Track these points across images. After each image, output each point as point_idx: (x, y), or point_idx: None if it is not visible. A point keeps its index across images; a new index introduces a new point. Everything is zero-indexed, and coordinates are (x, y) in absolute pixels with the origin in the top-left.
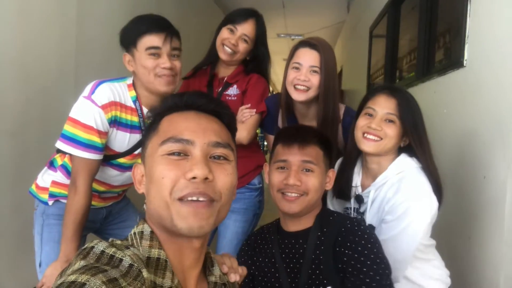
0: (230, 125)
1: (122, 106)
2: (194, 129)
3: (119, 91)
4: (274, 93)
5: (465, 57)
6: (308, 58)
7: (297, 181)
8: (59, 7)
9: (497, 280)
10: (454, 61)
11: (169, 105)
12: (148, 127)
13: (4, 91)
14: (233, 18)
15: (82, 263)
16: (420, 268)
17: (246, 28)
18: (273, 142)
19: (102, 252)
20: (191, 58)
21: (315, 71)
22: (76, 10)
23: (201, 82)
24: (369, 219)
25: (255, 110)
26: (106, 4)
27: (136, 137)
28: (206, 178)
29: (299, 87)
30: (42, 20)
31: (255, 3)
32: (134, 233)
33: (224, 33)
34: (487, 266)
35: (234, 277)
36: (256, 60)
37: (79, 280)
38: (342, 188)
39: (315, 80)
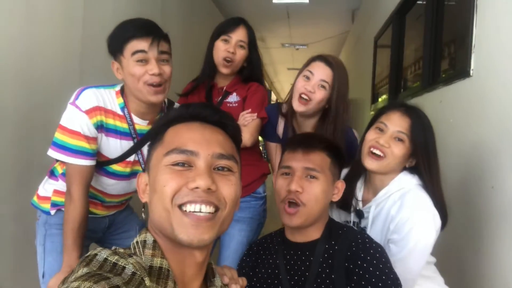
0: (235, 136)
1: (108, 112)
2: (198, 141)
3: (104, 97)
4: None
5: (472, 66)
6: (321, 71)
7: (299, 187)
8: (65, 9)
9: None
10: (460, 70)
11: (174, 115)
12: (152, 138)
13: (8, 97)
14: (224, 28)
15: (85, 270)
16: (422, 285)
17: (239, 34)
18: (282, 151)
19: (105, 259)
20: (192, 63)
21: (323, 86)
22: (82, 13)
23: (200, 96)
24: (373, 236)
25: (256, 114)
26: (112, 6)
27: (128, 144)
28: (209, 189)
29: (303, 96)
30: (47, 23)
31: (260, 13)
32: (137, 242)
33: (220, 45)
34: (498, 278)
35: None
36: (251, 66)
37: (82, 287)
38: (345, 199)
39: (320, 94)
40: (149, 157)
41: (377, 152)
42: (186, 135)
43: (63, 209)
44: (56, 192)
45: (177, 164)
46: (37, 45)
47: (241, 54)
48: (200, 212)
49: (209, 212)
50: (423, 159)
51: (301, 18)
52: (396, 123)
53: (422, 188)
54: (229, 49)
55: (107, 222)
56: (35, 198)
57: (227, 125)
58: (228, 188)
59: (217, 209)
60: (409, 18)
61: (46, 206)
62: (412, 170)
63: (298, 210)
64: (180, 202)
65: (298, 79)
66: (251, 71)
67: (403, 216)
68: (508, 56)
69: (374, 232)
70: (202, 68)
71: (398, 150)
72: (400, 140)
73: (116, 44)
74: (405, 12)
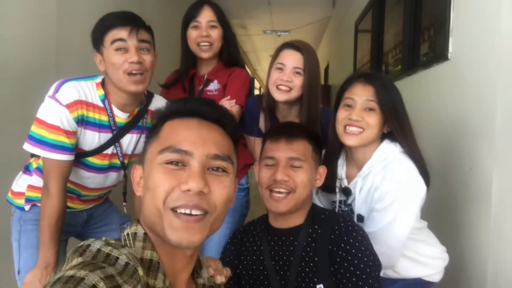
0: (234, 134)
1: (89, 105)
2: (194, 140)
3: (85, 90)
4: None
5: (450, 50)
6: (292, 59)
7: (285, 176)
8: (39, 3)
9: (485, 269)
10: (439, 54)
11: (172, 110)
12: (149, 131)
13: None
14: (190, 15)
15: (80, 259)
16: (416, 249)
17: (207, 15)
18: (263, 140)
19: (98, 250)
20: (174, 52)
21: (298, 73)
22: (56, 7)
23: (182, 86)
24: (358, 208)
25: (234, 100)
26: (86, 2)
27: (107, 136)
28: (201, 191)
29: (281, 87)
30: (20, 18)
31: (242, 0)
32: (128, 234)
33: (192, 33)
34: (475, 256)
35: (220, 279)
36: (227, 44)
37: (78, 275)
38: (327, 181)
39: (297, 81)
40: (145, 151)
41: (354, 129)
42: (182, 133)
43: (38, 204)
44: (30, 187)
45: (171, 162)
46: (12, 37)
47: (216, 33)
48: (190, 214)
49: (199, 213)
50: (394, 122)
51: (282, 4)
52: (361, 94)
53: (404, 154)
54: (201, 33)
55: (85, 216)
56: (9, 194)
57: (226, 123)
58: (220, 190)
59: (206, 212)
60: (389, 3)
61: (21, 201)
62: (393, 138)
63: (287, 196)
64: (172, 206)
65: (272, 72)
66: (228, 50)
67: (386, 185)
68: (485, 39)
69: (359, 203)
70: (180, 60)
71: (372, 120)
72: (371, 109)
73: (97, 35)
74: None
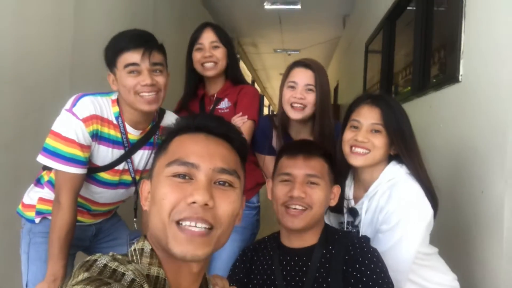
0: (241, 150)
1: (104, 121)
2: (201, 153)
3: (101, 105)
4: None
5: (461, 72)
6: (303, 76)
7: (302, 193)
8: (56, 10)
9: None
10: (450, 76)
11: (180, 126)
12: (159, 146)
13: None
14: (193, 38)
15: (86, 275)
16: (425, 275)
17: (209, 36)
18: (277, 156)
19: (105, 265)
20: (184, 71)
21: (310, 89)
22: (73, 14)
23: (193, 109)
24: (363, 229)
25: (246, 116)
26: (103, 14)
27: (119, 152)
28: (206, 204)
29: (295, 105)
30: (38, 31)
31: (253, 19)
32: (135, 250)
33: (196, 55)
34: (487, 282)
35: None
36: (231, 63)
37: None
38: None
39: (310, 97)
40: (153, 165)
41: (359, 150)
42: (190, 147)
43: (48, 217)
44: (41, 200)
45: (177, 175)
46: (28, 47)
47: (219, 52)
48: (195, 226)
49: (204, 228)
50: (399, 144)
51: (293, 23)
52: (367, 116)
53: (411, 176)
54: (204, 54)
55: (93, 230)
56: (20, 206)
57: (233, 138)
58: (226, 205)
59: (212, 226)
60: (400, 24)
61: (31, 214)
62: (400, 160)
63: (303, 212)
64: (177, 218)
65: (284, 91)
66: (233, 67)
67: (391, 207)
68: (496, 61)
69: (364, 224)
70: (185, 84)
71: (378, 141)
72: (377, 131)
73: (110, 56)
74: (396, 18)
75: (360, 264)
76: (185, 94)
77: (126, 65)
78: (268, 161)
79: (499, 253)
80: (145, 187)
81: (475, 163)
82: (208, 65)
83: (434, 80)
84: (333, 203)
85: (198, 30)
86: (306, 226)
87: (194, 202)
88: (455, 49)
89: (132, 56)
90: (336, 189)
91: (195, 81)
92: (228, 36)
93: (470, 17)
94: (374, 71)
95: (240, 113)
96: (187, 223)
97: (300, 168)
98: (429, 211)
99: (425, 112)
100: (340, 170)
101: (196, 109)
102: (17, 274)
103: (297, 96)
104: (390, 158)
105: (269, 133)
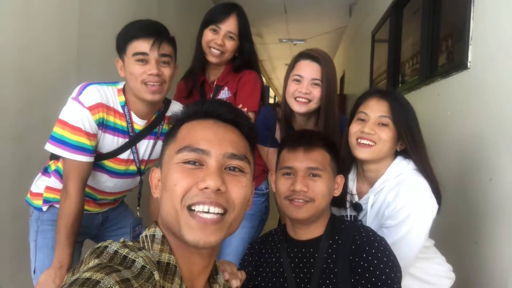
0: (250, 136)
1: (110, 109)
2: (210, 139)
3: (107, 94)
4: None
5: (469, 59)
6: (310, 70)
7: (304, 187)
8: (61, 8)
9: (506, 285)
10: (458, 63)
11: (189, 112)
12: (167, 134)
13: (6, 94)
14: (214, 17)
15: (96, 261)
16: (423, 267)
17: (229, 25)
18: (279, 149)
19: (116, 252)
20: (189, 61)
21: (316, 84)
22: (78, 8)
23: (194, 98)
24: (368, 224)
25: (246, 108)
26: (108, 4)
27: (124, 141)
28: (219, 190)
29: (300, 99)
30: (43, 21)
31: (257, 8)
32: (146, 236)
33: (208, 35)
34: (495, 270)
35: (235, 283)
36: (243, 56)
37: (94, 277)
38: (339, 195)
39: (316, 92)
40: (162, 153)
41: (365, 142)
42: (199, 133)
43: (55, 205)
44: (48, 188)
45: (188, 162)
46: (34, 40)
47: (230, 45)
48: (208, 212)
49: (218, 213)
50: (408, 140)
51: (298, 13)
52: (375, 109)
53: (418, 172)
54: (217, 40)
55: (100, 218)
56: (28, 195)
57: (242, 124)
58: (238, 190)
59: (225, 211)
60: (407, 12)
61: (39, 202)
62: (406, 155)
63: (306, 203)
64: (189, 203)
65: (289, 84)
66: (243, 61)
67: (399, 203)
68: (505, 48)
69: (369, 219)
70: (192, 59)
71: (385, 134)
72: (384, 124)
73: (120, 42)
74: (403, 6)
75: (366, 253)
76: (190, 73)
77: (135, 54)
78: (271, 153)
79: (508, 241)
80: (155, 175)
81: (483, 150)
82: (215, 51)
83: (442, 68)
84: (337, 193)
85: (222, 12)
86: (311, 217)
87: (206, 188)
88: (463, 36)
89: (142, 45)
90: (340, 179)
91: (202, 61)
92: (248, 29)
93: (479, 4)
94: (381, 60)
95: (240, 105)
96: (200, 208)
97: (301, 161)
98: (435, 207)
99: (433, 100)
100: (344, 164)
101: (197, 97)
102: (25, 263)
103: (302, 91)
104: (395, 153)
105: (273, 126)
